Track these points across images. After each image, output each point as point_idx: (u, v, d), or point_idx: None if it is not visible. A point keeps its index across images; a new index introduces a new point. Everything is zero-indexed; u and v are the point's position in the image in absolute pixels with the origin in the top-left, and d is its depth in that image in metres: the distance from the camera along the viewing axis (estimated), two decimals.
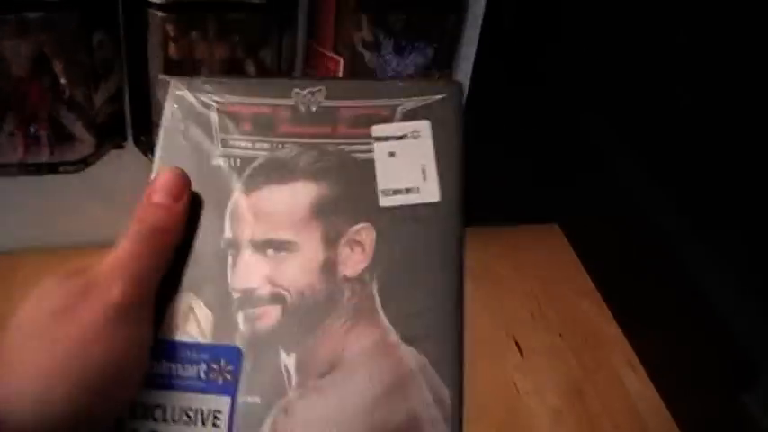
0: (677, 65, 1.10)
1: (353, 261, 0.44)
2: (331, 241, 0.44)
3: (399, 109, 0.47)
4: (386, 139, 0.46)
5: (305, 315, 0.43)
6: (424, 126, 0.46)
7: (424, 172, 0.46)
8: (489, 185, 1.30)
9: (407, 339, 0.43)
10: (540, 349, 1.19)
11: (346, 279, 0.43)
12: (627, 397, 1.14)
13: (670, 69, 1.11)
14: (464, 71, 1.14)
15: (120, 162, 1.12)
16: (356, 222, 0.44)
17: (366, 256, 0.44)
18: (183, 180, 0.43)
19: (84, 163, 1.06)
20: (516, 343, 1.19)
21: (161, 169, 0.43)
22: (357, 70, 1.02)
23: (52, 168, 1.04)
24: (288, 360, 0.42)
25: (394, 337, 0.43)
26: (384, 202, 0.45)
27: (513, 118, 1.26)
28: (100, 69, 1.00)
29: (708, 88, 1.03)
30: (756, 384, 0.95)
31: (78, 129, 1.04)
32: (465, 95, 0.48)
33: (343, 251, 0.44)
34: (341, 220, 0.45)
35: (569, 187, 1.34)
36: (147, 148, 1.06)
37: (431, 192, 0.46)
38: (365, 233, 0.44)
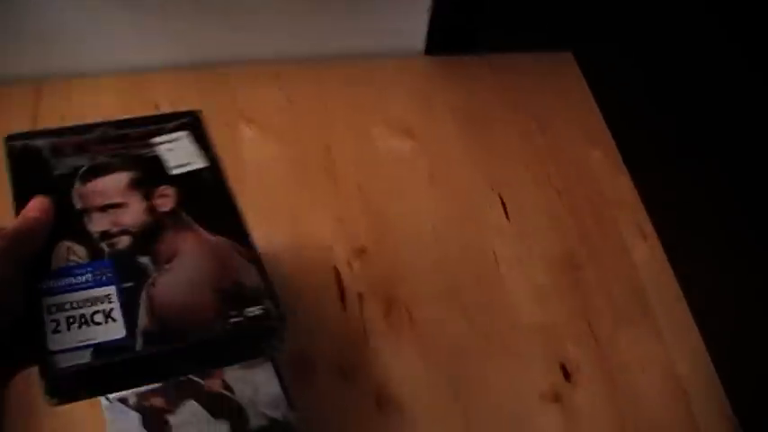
0: None
1: (165, 203, 0.70)
2: (147, 197, 0.70)
3: (165, 128, 0.76)
4: (163, 142, 0.75)
5: (147, 236, 0.67)
6: (184, 134, 0.76)
7: (192, 155, 0.74)
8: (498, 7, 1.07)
9: (212, 232, 0.68)
10: (530, 210, 0.99)
11: (164, 213, 0.69)
12: (632, 273, 0.95)
13: None
14: None
15: None
16: (159, 185, 0.71)
17: (172, 199, 0.70)
18: (46, 202, 0.67)
19: None
20: (502, 201, 0.99)
21: (34, 199, 0.67)
22: None
23: None
24: (143, 259, 0.66)
25: (205, 232, 0.68)
26: (173, 171, 0.72)
27: None
28: None
29: None
30: None
31: None
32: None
33: (158, 200, 0.70)
34: (149, 185, 0.71)
35: (589, 11, 1.08)
36: None
37: (200, 162, 0.74)
38: (168, 189, 0.71)
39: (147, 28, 1.07)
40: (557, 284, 0.93)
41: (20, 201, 0.67)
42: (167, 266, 0.65)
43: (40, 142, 0.72)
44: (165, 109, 1.04)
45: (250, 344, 0.65)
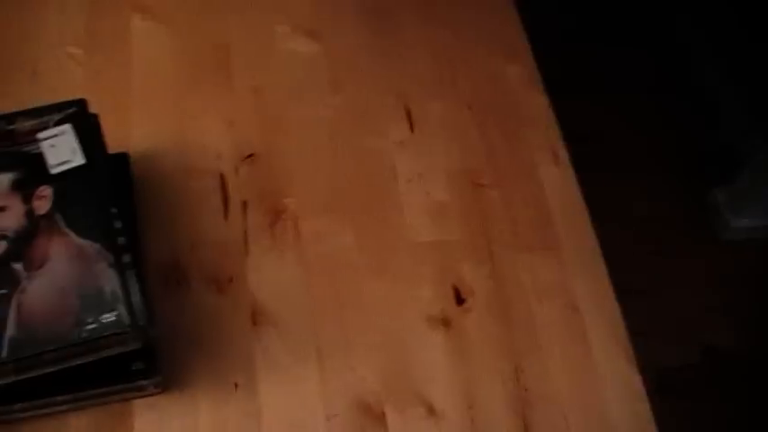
0: None
1: (42, 206, 0.71)
2: (27, 200, 0.71)
3: (50, 120, 0.75)
4: (46, 138, 0.74)
5: (22, 241, 0.69)
6: (68, 127, 0.75)
7: (73, 151, 0.74)
8: None
9: (82, 236, 0.70)
10: (437, 124, 0.93)
11: (41, 216, 0.70)
12: (539, 196, 0.90)
13: None
14: None
15: None
16: (39, 185, 0.72)
17: (49, 201, 0.71)
18: None
19: None
20: (408, 113, 0.92)
21: None
22: None
23: None
24: (17, 265, 0.68)
25: (75, 237, 0.70)
26: (54, 170, 0.73)
27: None
28: None
29: None
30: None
31: None
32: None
33: (36, 203, 0.71)
34: (30, 186, 0.72)
35: None
36: None
37: (80, 159, 0.73)
38: (46, 190, 0.71)
39: None
40: (458, 203, 0.88)
41: None
42: (38, 272, 0.68)
43: None
44: None
45: (107, 347, 0.67)
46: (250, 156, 0.87)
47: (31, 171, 0.72)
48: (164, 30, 0.95)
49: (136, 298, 0.67)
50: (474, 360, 0.80)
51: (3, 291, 0.66)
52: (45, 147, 0.73)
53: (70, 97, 0.76)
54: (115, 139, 0.79)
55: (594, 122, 0.93)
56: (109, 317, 0.66)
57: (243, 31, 0.97)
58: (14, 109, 0.77)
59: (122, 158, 0.83)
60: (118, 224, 0.70)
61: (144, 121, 0.88)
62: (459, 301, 0.82)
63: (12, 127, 0.74)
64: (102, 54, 0.93)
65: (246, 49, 0.95)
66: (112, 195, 0.72)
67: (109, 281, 0.68)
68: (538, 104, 0.96)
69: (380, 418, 0.75)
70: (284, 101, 0.92)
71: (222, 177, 0.86)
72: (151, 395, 0.74)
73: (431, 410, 0.76)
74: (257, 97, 0.92)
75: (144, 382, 0.73)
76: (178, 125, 0.89)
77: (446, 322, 0.81)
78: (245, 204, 0.84)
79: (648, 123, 0.93)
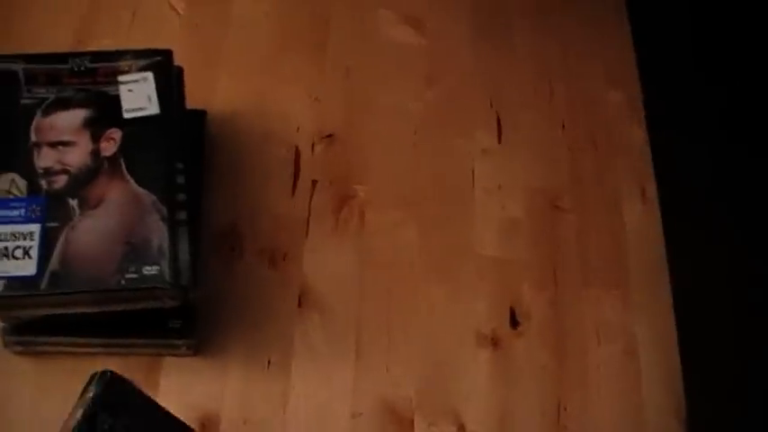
0: None
1: (109, 148, 0.71)
2: (95, 139, 0.72)
3: (134, 65, 0.75)
4: (126, 82, 0.74)
5: (82, 178, 0.70)
6: (149, 75, 0.74)
7: (150, 99, 0.73)
8: None
9: (141, 185, 0.69)
10: (527, 138, 0.90)
11: (106, 158, 0.71)
12: (618, 231, 0.86)
13: None
14: None
15: None
16: (110, 128, 0.72)
17: (116, 144, 0.71)
18: None
19: None
20: (499, 121, 0.89)
21: None
22: None
23: None
24: (72, 202, 0.68)
25: (134, 184, 0.69)
26: (127, 115, 0.72)
27: None
28: None
29: None
30: None
31: None
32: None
33: (103, 144, 0.71)
34: (101, 126, 0.72)
35: None
36: None
37: (154, 109, 0.73)
38: (115, 133, 0.71)
39: None
40: (532, 222, 0.84)
41: None
42: (91, 212, 0.69)
43: (17, 66, 0.74)
44: None
45: (144, 299, 0.68)
46: (329, 135, 0.85)
47: (105, 112, 0.72)
48: None
49: (183, 256, 0.67)
50: (517, 386, 0.76)
51: (54, 224, 0.67)
52: (123, 90, 0.73)
53: (162, 46, 0.76)
54: (197, 95, 0.78)
55: (692, 165, 0.88)
56: (151, 270, 0.66)
57: (346, 8, 0.95)
58: (110, 48, 0.77)
59: (200, 115, 0.82)
60: (180, 180, 0.70)
61: (229, 81, 0.87)
62: (514, 323, 0.79)
63: (94, 65, 0.74)
64: (203, 8, 0.92)
65: (346, 27, 0.93)
66: (180, 150, 0.72)
67: (158, 234, 0.67)
68: (634, 136, 0.92)
69: (407, 427, 0.73)
70: (374, 86, 0.90)
71: (297, 151, 0.84)
72: (183, 356, 0.73)
73: (461, 429, 0.73)
74: (348, 77, 0.90)
75: (178, 342, 0.72)
76: (262, 90, 0.87)
77: (495, 342, 0.78)
78: (314, 183, 0.83)
79: (749, 179, 0.87)
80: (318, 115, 0.87)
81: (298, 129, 0.85)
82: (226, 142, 0.83)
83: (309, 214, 0.81)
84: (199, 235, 0.72)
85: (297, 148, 0.84)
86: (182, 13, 0.91)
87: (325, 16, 0.94)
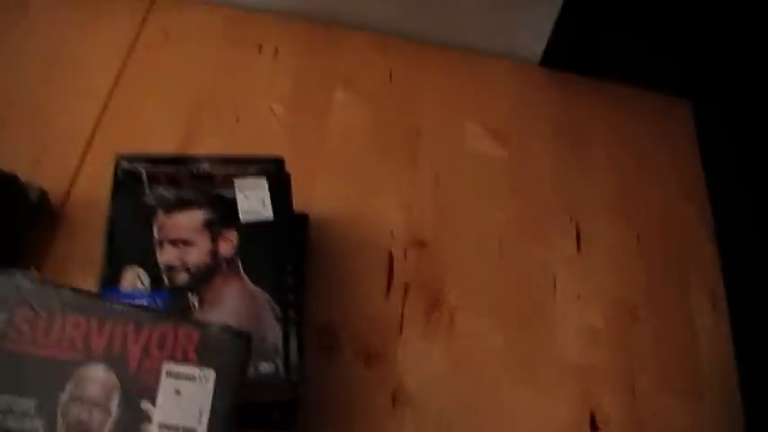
0: None
1: (226, 249, 0.77)
2: (214, 239, 0.77)
3: (249, 171, 0.82)
4: (242, 187, 0.80)
5: (201, 276, 0.75)
6: (263, 181, 0.80)
7: (264, 204, 0.80)
8: (623, 33, 1.02)
9: (256, 284, 0.75)
10: (604, 248, 0.95)
11: (223, 258, 0.76)
12: (691, 339, 0.90)
13: None
14: None
15: None
16: (227, 229, 0.77)
17: (233, 245, 0.77)
18: None
19: None
20: (578, 231, 0.94)
21: None
22: None
23: None
24: (193, 298, 0.73)
25: (249, 283, 0.75)
26: (243, 218, 0.78)
27: None
28: None
29: None
30: None
31: None
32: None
33: (221, 244, 0.77)
34: (219, 228, 0.78)
35: (720, 64, 1.02)
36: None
37: (268, 213, 0.80)
38: (232, 234, 0.77)
39: None
40: (610, 330, 0.89)
41: (113, 221, 0.78)
42: (210, 309, 0.74)
43: (142, 167, 0.81)
44: (267, 51, 1.04)
45: (256, 393, 0.72)
46: (421, 242, 0.91)
47: (223, 214, 0.78)
48: (363, 105, 1.02)
49: (293, 354, 0.71)
50: None
51: None
52: (239, 195, 0.80)
53: (265, 149, 0.82)
54: (297, 198, 0.83)
55: (761, 279, 0.92)
56: (266, 366, 0.71)
57: (435, 121, 1.02)
58: (214, 147, 0.85)
59: (303, 219, 0.88)
60: (290, 280, 0.75)
61: (327, 187, 0.94)
62: (594, 427, 0.83)
63: (212, 169, 0.81)
64: (301, 116, 1.00)
65: (435, 139, 1.00)
66: (290, 252, 0.77)
67: (272, 332, 0.72)
68: (705, 249, 0.97)
69: None
70: (461, 195, 0.96)
71: (391, 256, 0.90)
72: None
73: None
74: (437, 186, 0.96)
75: None
76: (358, 196, 0.94)
77: None
78: (407, 287, 0.88)
79: None
80: (410, 222, 0.93)
81: (391, 234, 0.91)
82: (324, 245, 0.89)
83: (403, 317, 0.86)
84: (303, 333, 0.76)
85: (390, 252, 0.90)
86: (281, 119, 0.99)
87: (416, 128, 1.01)
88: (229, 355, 0.63)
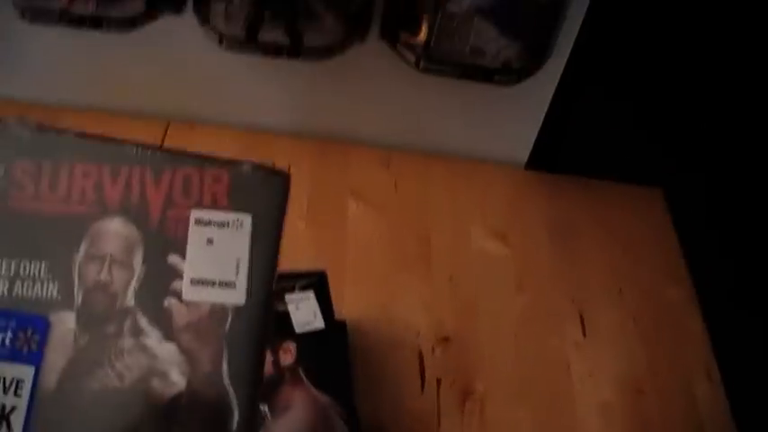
0: None
1: (287, 359, 0.80)
2: (274, 351, 0.80)
3: (297, 285, 0.85)
4: (293, 300, 0.82)
5: (269, 386, 0.77)
6: (311, 294, 0.82)
7: (315, 314, 0.83)
8: (598, 135, 1.14)
9: (320, 389, 0.78)
10: (606, 331, 1.05)
11: (286, 367, 0.79)
12: (691, 408, 0.99)
13: None
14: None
15: (173, 29, 1.01)
16: (285, 341, 0.80)
17: (293, 355, 0.80)
18: None
19: (132, 23, 0.95)
20: (581, 318, 1.05)
21: None
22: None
23: (96, 23, 0.95)
24: (264, 407, 0.76)
25: (313, 389, 0.78)
26: (298, 330, 0.83)
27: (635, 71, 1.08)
28: None
29: None
30: None
31: None
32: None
33: (282, 355, 0.80)
34: (277, 340, 0.80)
35: (688, 152, 1.15)
36: (206, 18, 0.95)
37: (320, 323, 0.83)
38: (291, 345, 0.80)
39: (277, 90, 1.17)
40: (622, 405, 0.99)
41: None
42: (282, 417, 0.77)
43: None
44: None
45: None
46: (445, 338, 1.00)
47: (279, 327, 0.83)
48: (375, 216, 1.12)
49: None
50: None
51: None
52: (291, 308, 0.85)
53: (295, 260, 0.89)
54: None
55: (748, 348, 1.04)
56: None
57: (442, 227, 1.12)
58: None
59: (342, 326, 0.96)
60: (350, 384, 0.82)
61: (354, 294, 1.02)
62: None
63: None
64: (321, 230, 1.09)
65: (444, 243, 1.11)
66: (345, 358, 0.85)
67: None
68: (694, 324, 1.08)
69: None
70: (475, 293, 1.06)
71: (420, 354, 0.98)
72: None
73: None
74: (452, 286, 1.06)
75: None
76: (384, 301, 1.03)
77: None
78: (438, 381, 0.96)
79: None
80: (433, 321, 1.02)
81: (417, 333, 1.00)
82: (360, 348, 0.97)
83: (439, 409, 0.94)
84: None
85: (420, 351, 0.99)
86: (301, 232, 1.08)
87: (425, 235, 1.11)
88: (266, 195, 0.55)
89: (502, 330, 1.03)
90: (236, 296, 0.54)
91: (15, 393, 0.49)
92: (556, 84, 1.12)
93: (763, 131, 1.10)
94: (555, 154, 1.19)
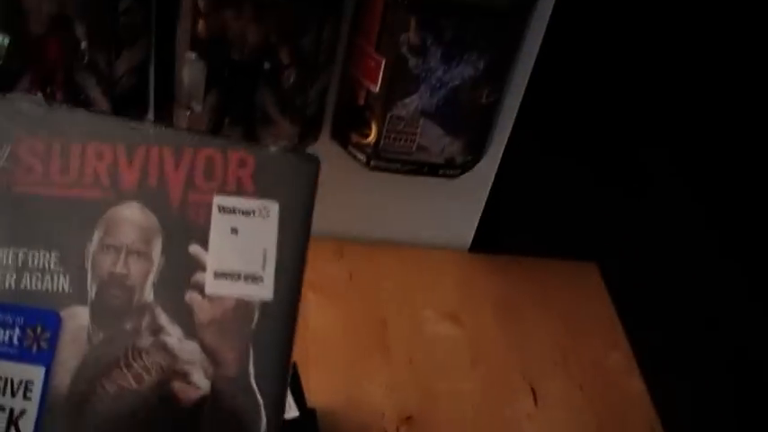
0: None
1: None
2: None
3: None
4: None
5: None
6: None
7: (289, 405, 0.70)
8: (534, 217, 1.23)
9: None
10: (556, 400, 1.13)
11: None
12: None
13: None
14: (517, 88, 1.07)
15: None
16: None
17: None
18: None
19: None
20: (532, 389, 1.12)
21: None
22: (398, 75, 0.94)
23: None
24: None
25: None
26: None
27: (568, 144, 1.18)
28: (124, 36, 0.94)
29: None
30: None
31: (97, 94, 0.99)
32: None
33: None
34: None
35: (617, 225, 1.25)
36: (168, 124, 1.01)
37: (294, 412, 0.76)
38: None
39: None
40: None
41: None
42: None
43: None
44: None
45: None
46: (408, 418, 1.05)
47: None
48: (332, 305, 1.17)
49: None
50: None
51: None
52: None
53: None
54: None
55: (692, 406, 1.12)
56: None
57: (397, 312, 1.19)
58: None
59: (313, 413, 1.01)
60: None
61: (319, 382, 1.07)
62: None
63: None
64: None
65: (400, 326, 1.17)
66: None
67: None
68: (635, 388, 1.16)
69: None
70: (433, 373, 1.12)
71: None
72: None
73: None
74: (411, 368, 1.12)
75: None
76: (348, 386, 1.08)
77: None
78: None
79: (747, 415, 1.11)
80: (395, 402, 1.07)
81: (382, 415, 1.06)
82: None
83: None
84: None
85: (386, 430, 1.04)
86: None
87: (382, 319, 1.17)
88: (295, 181, 0.52)
89: (461, 406, 1.09)
90: (264, 291, 0.52)
91: (24, 396, 0.46)
92: (494, 173, 1.21)
93: (686, 206, 1.21)
94: (496, 236, 1.28)
